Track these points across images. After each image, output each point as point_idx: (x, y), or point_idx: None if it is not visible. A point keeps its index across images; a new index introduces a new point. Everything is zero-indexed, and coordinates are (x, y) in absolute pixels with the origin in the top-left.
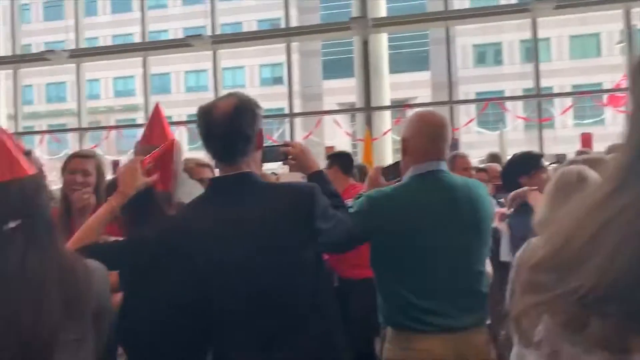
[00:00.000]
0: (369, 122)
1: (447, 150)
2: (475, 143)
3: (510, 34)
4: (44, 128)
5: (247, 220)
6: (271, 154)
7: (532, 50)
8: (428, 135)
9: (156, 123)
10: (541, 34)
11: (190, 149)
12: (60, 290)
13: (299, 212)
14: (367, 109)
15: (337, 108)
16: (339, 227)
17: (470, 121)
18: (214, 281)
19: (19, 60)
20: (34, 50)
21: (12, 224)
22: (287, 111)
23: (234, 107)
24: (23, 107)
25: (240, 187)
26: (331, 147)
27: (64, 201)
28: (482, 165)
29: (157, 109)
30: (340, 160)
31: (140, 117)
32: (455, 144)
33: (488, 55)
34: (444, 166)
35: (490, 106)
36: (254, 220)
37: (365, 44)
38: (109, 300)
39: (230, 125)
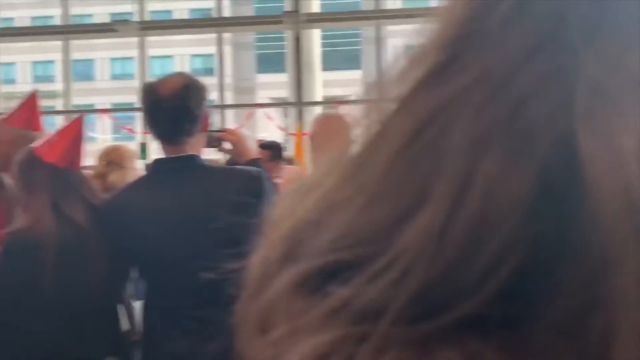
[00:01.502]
0: (300, 117)
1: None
2: None
3: None
4: None
5: (188, 202)
6: (206, 139)
7: None
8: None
9: (27, 108)
10: None
11: (116, 138)
12: None
13: (246, 196)
14: (298, 104)
15: (269, 102)
16: None
17: None
18: (143, 260)
19: None
20: None
21: None
22: (217, 103)
23: (184, 85)
24: None
25: (185, 168)
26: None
27: None
28: None
29: (32, 96)
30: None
31: (59, 104)
32: None
33: None
34: None
35: None
36: (196, 202)
37: (297, 39)
38: None
39: (179, 102)
